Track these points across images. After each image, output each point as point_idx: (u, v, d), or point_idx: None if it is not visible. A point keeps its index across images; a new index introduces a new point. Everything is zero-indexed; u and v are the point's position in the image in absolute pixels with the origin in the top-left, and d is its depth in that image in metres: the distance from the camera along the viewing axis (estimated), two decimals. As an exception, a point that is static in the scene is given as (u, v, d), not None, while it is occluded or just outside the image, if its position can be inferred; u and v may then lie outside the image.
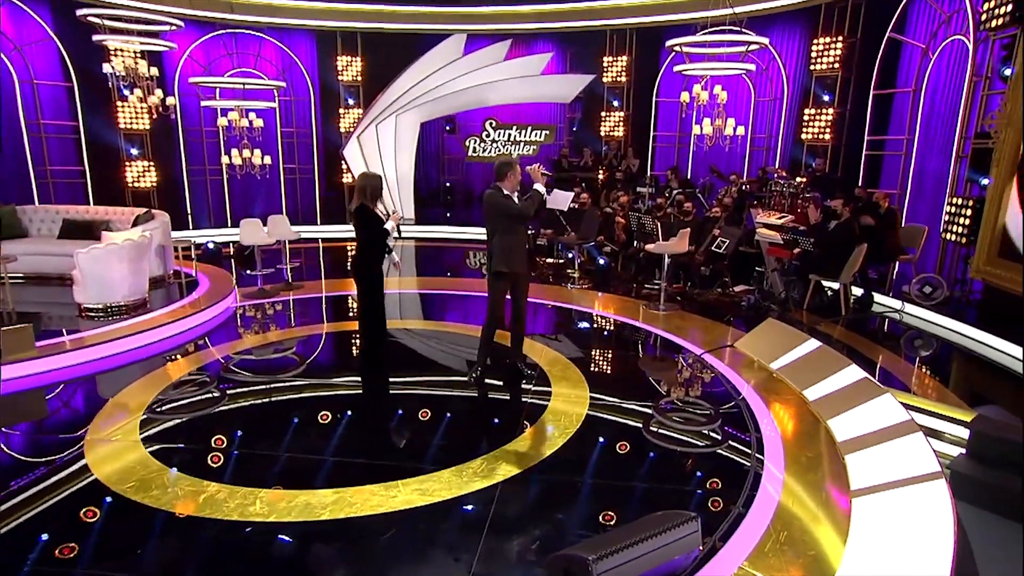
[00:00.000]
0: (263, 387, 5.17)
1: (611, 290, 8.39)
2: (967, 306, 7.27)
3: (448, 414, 4.74)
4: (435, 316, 7.66)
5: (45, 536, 3.15)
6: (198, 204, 12.69)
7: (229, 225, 12.42)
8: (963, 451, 3.81)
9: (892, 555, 2.95)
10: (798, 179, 9.57)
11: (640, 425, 4.51)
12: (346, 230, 11.99)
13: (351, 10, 12.56)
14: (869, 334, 6.80)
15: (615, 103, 13.04)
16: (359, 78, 13.18)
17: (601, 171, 12.50)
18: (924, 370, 6.01)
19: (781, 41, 11.16)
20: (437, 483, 3.63)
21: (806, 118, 10.44)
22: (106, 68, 8.66)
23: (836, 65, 10.02)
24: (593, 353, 6.34)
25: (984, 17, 6.99)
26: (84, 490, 3.57)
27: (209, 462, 3.88)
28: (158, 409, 4.63)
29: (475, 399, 5.11)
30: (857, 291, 7.76)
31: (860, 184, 9.21)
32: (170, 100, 9.38)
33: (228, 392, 4.98)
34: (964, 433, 3.98)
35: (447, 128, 13.86)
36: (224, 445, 4.13)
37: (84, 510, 3.37)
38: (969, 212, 7.06)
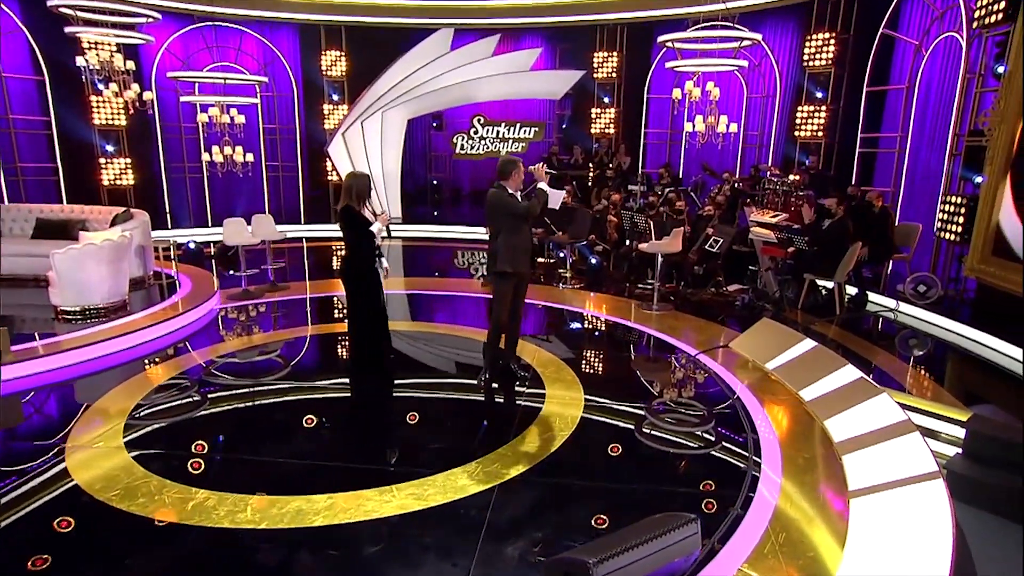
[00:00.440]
0: (249, 390, 5.01)
1: (603, 290, 8.27)
2: (961, 304, 7.29)
3: (442, 417, 4.66)
4: (423, 317, 7.46)
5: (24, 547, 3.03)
6: (178, 203, 12.34)
7: (210, 224, 12.11)
8: (959, 451, 3.79)
9: (891, 555, 2.96)
10: (791, 177, 9.49)
11: (635, 427, 4.48)
12: (331, 229, 11.77)
13: (335, 2, 12.29)
14: (864, 333, 6.80)
15: (606, 99, 12.90)
16: (344, 73, 12.91)
17: (591, 169, 12.35)
18: (919, 369, 6.01)
19: (774, 37, 11.08)
20: (432, 487, 3.56)
21: (799, 115, 10.37)
22: (79, 61, 8.36)
23: (829, 61, 9.94)
24: (586, 354, 6.24)
25: (978, 14, 6.96)
26: (63, 498, 3.43)
27: (189, 468, 3.77)
28: (141, 415, 4.47)
29: (469, 402, 5.02)
30: (852, 290, 7.71)
31: (854, 182, 9.15)
32: (147, 95, 9.10)
33: (212, 397, 4.83)
34: (960, 432, 3.96)
35: (434, 125, 13.63)
36: (210, 451, 4.03)
37: (58, 520, 3.24)
38: (963, 210, 7.01)
